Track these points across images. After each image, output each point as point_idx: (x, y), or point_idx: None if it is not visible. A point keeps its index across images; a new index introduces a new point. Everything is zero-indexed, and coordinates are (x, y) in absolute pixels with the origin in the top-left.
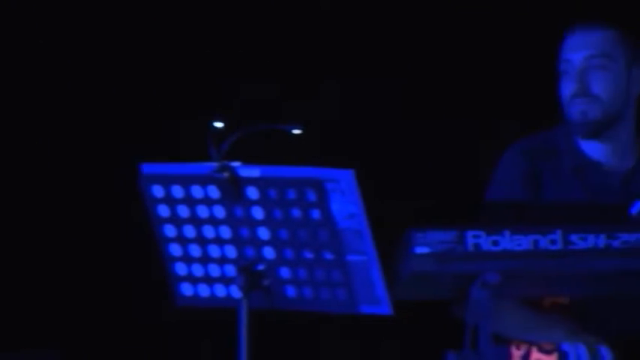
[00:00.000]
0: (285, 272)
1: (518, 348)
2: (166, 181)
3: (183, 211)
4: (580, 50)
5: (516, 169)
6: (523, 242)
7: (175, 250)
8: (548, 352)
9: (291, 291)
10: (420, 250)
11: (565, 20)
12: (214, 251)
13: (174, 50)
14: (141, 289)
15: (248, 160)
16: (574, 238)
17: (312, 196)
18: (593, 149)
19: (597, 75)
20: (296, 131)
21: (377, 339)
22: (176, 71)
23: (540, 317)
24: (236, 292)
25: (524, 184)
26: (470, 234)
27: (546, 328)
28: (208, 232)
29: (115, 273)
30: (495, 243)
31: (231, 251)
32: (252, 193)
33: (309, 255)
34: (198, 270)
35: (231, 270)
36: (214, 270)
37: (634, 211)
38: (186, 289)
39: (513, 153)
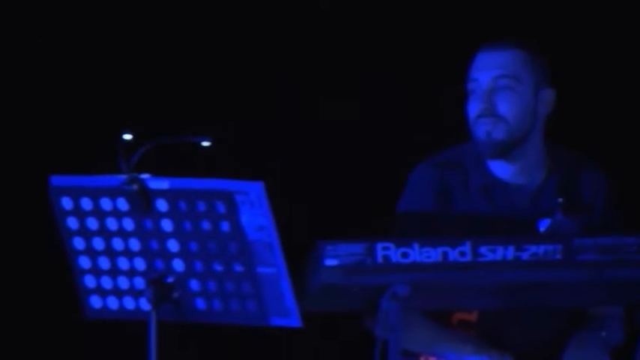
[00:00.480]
0: (194, 284)
1: None
2: (75, 194)
3: (93, 223)
4: (488, 70)
5: (427, 181)
6: (432, 254)
7: (84, 262)
8: None
9: (200, 303)
10: (330, 262)
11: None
12: (123, 264)
13: (91, 60)
14: (53, 299)
15: (161, 173)
16: (483, 250)
17: (221, 208)
18: (501, 168)
19: (504, 96)
20: (205, 143)
21: (288, 350)
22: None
23: (449, 333)
24: (145, 305)
25: (435, 196)
26: (379, 246)
27: (455, 344)
28: (117, 244)
29: (28, 282)
30: (405, 255)
31: (140, 264)
32: (162, 205)
33: (218, 267)
34: (107, 283)
35: (140, 282)
36: (123, 282)
37: (541, 228)
38: (96, 301)
39: (425, 166)
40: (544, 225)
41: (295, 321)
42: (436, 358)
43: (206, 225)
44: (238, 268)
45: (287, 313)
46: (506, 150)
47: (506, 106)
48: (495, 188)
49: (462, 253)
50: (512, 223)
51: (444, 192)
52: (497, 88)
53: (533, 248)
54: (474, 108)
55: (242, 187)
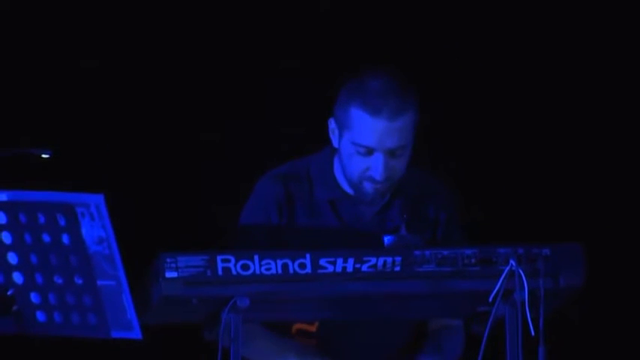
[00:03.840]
0: (35, 297)
1: None
2: None
3: None
4: (384, 142)
5: (270, 194)
6: (272, 266)
7: None
8: None
9: (41, 316)
10: (171, 274)
11: None
12: None
13: None
14: None
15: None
16: (323, 262)
17: (62, 220)
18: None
19: (397, 161)
20: (45, 155)
21: None
22: None
23: (291, 345)
24: None
25: (279, 209)
26: (220, 258)
27: (297, 356)
28: None
29: None
30: (245, 267)
31: None
32: (1, 217)
33: (59, 280)
34: None
35: None
36: None
37: (386, 243)
38: None
39: (269, 177)
40: (389, 240)
41: (136, 333)
42: None
43: (47, 237)
44: (79, 280)
45: (128, 325)
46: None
47: (399, 170)
48: (342, 202)
49: (303, 265)
50: (357, 237)
51: (287, 204)
52: (392, 155)
53: (373, 260)
54: (361, 166)
55: (83, 199)
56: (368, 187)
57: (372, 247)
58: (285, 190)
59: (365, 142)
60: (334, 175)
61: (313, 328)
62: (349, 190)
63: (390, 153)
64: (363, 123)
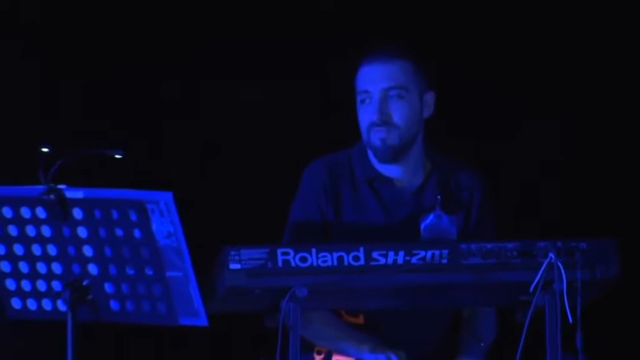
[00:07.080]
0: (109, 287)
1: (319, 353)
2: None
3: (14, 230)
4: (378, 82)
5: (317, 180)
6: (329, 258)
7: (6, 266)
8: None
9: (115, 304)
10: (235, 266)
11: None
12: (42, 268)
13: None
14: None
15: (77, 183)
16: (376, 254)
17: (134, 216)
18: (387, 168)
19: (395, 105)
20: (118, 156)
21: (194, 348)
22: None
23: (351, 332)
24: (63, 306)
25: (327, 198)
26: (280, 251)
27: (355, 342)
28: (37, 250)
29: None
30: (304, 259)
31: (58, 268)
32: (78, 213)
33: (131, 271)
34: (27, 285)
35: (58, 285)
36: (42, 285)
37: (423, 224)
38: (17, 303)
39: (314, 165)
40: (425, 220)
41: (204, 321)
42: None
43: (120, 232)
44: (150, 271)
45: (195, 313)
46: (399, 153)
47: (398, 114)
48: (380, 183)
49: (357, 258)
50: (397, 225)
51: (334, 192)
52: (388, 98)
53: (422, 253)
54: (367, 117)
55: (153, 196)
56: (374, 137)
57: (410, 228)
58: (329, 174)
59: (363, 87)
60: (369, 158)
61: (360, 321)
62: (387, 173)
63: (385, 94)
64: (363, 72)
